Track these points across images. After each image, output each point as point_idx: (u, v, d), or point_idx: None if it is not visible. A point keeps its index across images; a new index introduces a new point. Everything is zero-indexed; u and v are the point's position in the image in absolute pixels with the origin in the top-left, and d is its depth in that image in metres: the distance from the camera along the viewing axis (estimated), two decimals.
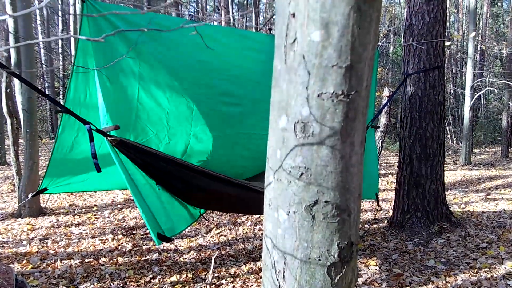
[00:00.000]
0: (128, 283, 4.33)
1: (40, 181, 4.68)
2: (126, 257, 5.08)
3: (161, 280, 4.41)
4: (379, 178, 11.53)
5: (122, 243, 5.62)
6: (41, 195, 7.63)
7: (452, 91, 23.59)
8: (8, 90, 7.43)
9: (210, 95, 4.53)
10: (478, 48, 18.88)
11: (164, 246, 5.51)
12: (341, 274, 1.68)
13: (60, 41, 18.72)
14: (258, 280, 4.36)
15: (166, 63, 4.11)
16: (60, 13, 16.93)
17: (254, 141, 4.95)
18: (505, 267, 4.50)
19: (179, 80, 4.26)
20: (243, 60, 4.66)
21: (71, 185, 4.82)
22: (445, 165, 6.37)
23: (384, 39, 24.35)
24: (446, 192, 6.49)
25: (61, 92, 20.68)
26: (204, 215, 7.06)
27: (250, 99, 4.80)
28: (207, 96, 4.51)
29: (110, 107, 3.76)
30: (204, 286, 4.22)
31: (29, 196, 4.71)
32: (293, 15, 1.43)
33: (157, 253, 5.20)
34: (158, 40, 3.94)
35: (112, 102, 3.78)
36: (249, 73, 4.73)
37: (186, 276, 4.51)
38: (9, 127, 7.40)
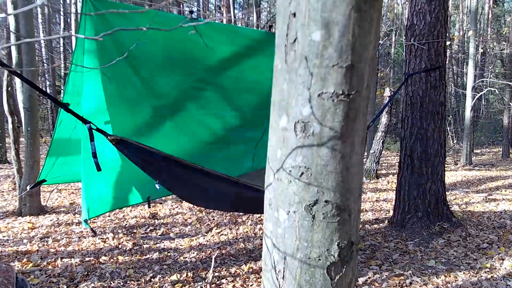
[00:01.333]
0: (128, 282, 4.33)
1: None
2: (127, 256, 5.09)
3: (162, 279, 4.41)
4: (380, 178, 11.57)
5: (122, 242, 5.62)
6: (42, 193, 7.68)
7: (453, 91, 23.57)
8: (9, 89, 7.44)
9: (185, 83, 4.59)
10: (479, 49, 18.85)
11: (164, 245, 5.51)
12: (341, 274, 1.68)
13: (61, 40, 18.71)
14: (259, 280, 4.36)
15: (149, 54, 4.13)
16: (61, 12, 16.92)
17: (224, 120, 5.06)
18: (505, 268, 4.50)
19: (160, 70, 4.29)
20: (225, 53, 4.67)
21: (69, 175, 4.86)
22: (446, 165, 6.37)
23: (386, 38, 24.34)
24: (447, 192, 6.49)
25: (62, 91, 20.68)
26: (205, 214, 7.07)
27: (220, 84, 4.86)
28: (183, 83, 4.57)
29: (89, 100, 3.84)
30: (204, 285, 4.23)
31: (28, 187, 4.73)
32: (294, 14, 1.43)
33: (157, 252, 5.21)
34: (145, 34, 3.95)
35: (98, 95, 3.84)
36: (229, 64, 4.76)
37: (187, 275, 4.51)
38: (10, 126, 7.41)
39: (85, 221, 4.08)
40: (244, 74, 4.82)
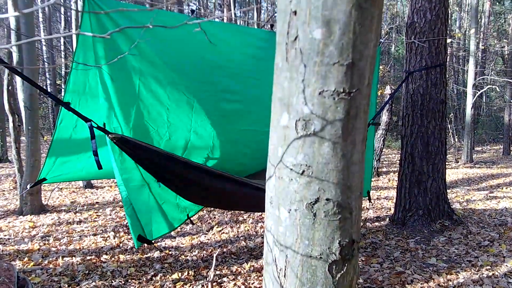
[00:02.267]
0: (129, 280, 4.33)
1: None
2: (128, 255, 5.09)
3: (163, 277, 4.41)
4: (381, 176, 11.57)
5: (123, 241, 5.63)
6: (42, 192, 7.69)
7: (454, 89, 23.56)
8: (10, 88, 7.44)
9: (211, 92, 4.53)
10: (480, 46, 18.84)
11: (165, 244, 5.52)
12: (342, 271, 1.68)
13: (62, 38, 18.68)
14: (260, 278, 4.36)
15: (167, 60, 4.10)
16: (62, 10, 16.88)
17: (254, 138, 4.95)
18: (506, 265, 4.50)
19: (180, 76, 4.25)
20: (243, 57, 4.67)
21: (69, 174, 4.84)
22: (446, 163, 6.36)
23: (386, 36, 24.31)
24: (447, 190, 6.49)
25: (62, 90, 20.66)
26: (205, 213, 7.08)
27: (250, 96, 4.81)
28: (208, 93, 4.51)
29: (110, 104, 3.79)
30: (205, 284, 4.23)
31: (28, 186, 4.72)
32: (295, 12, 1.43)
33: (158, 251, 5.21)
34: (159, 36, 3.93)
35: (113, 98, 3.79)
36: (250, 70, 4.73)
37: (188, 273, 4.51)
38: (10, 125, 7.42)
39: (141, 239, 3.93)
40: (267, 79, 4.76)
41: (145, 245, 5.32)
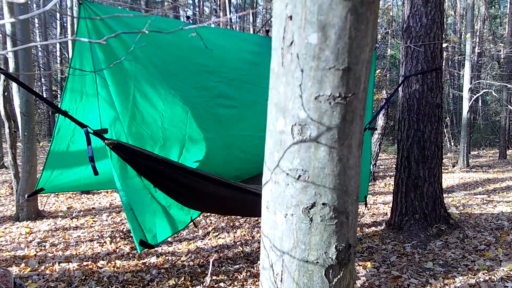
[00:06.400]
0: (126, 286, 4.32)
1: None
2: (124, 260, 5.07)
3: (159, 283, 4.40)
4: (377, 180, 11.56)
5: (120, 246, 5.61)
6: (39, 198, 7.67)
7: (450, 93, 23.62)
8: (6, 93, 7.42)
9: (205, 97, 4.54)
10: (476, 50, 18.91)
11: (162, 249, 5.50)
12: (339, 276, 1.68)
13: (58, 44, 18.66)
14: (257, 283, 4.35)
15: (162, 65, 4.12)
16: (58, 15, 16.89)
17: (249, 143, 4.97)
18: (503, 269, 4.50)
19: (174, 82, 4.27)
20: (238, 62, 4.69)
21: (67, 184, 4.82)
22: (443, 167, 6.37)
23: (382, 40, 24.36)
24: (444, 194, 6.49)
25: (58, 95, 20.63)
26: (202, 218, 7.06)
27: (245, 101, 4.82)
28: (202, 99, 4.53)
29: (105, 108, 3.79)
30: None
31: (26, 196, 4.70)
32: (290, 17, 1.43)
33: (155, 256, 5.19)
34: (154, 42, 3.94)
35: (108, 103, 3.80)
36: (245, 75, 4.75)
37: (185, 279, 4.50)
38: (7, 130, 7.39)
39: (143, 244, 3.91)
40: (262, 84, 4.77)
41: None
